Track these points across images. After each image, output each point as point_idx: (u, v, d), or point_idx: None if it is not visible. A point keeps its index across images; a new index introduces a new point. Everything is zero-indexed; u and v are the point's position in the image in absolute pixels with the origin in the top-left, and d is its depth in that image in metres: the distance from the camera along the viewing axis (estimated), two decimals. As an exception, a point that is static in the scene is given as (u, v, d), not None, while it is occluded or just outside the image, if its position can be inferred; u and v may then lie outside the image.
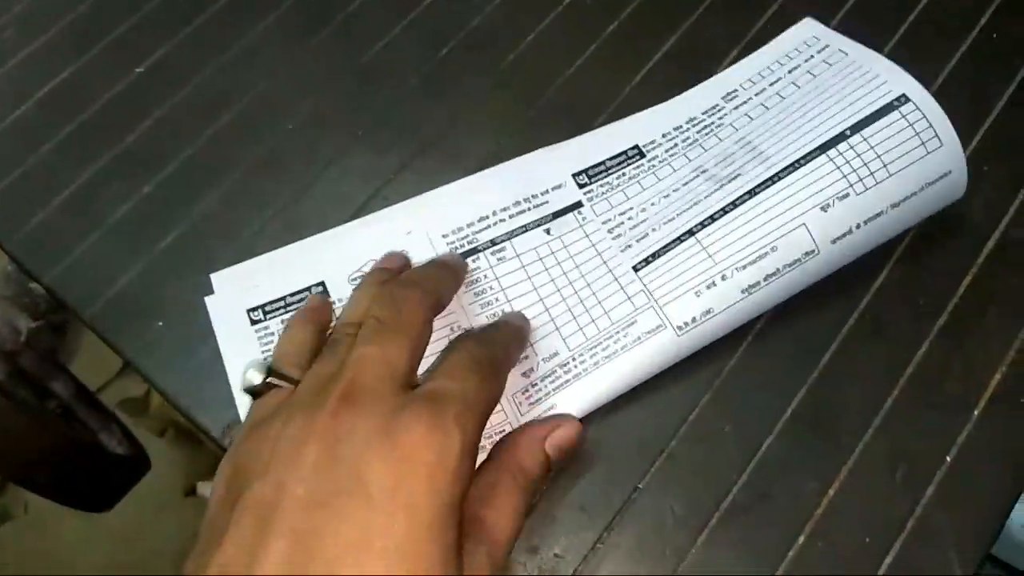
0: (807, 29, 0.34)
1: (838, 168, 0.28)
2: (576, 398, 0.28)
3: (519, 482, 0.24)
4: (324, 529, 0.19)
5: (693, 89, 0.34)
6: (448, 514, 0.20)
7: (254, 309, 0.31)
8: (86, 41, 0.38)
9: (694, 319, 0.28)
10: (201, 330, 0.31)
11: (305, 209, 0.33)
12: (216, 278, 0.32)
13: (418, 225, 0.32)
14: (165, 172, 0.34)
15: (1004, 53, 0.34)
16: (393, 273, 0.29)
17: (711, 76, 0.35)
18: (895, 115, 0.28)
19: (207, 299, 0.32)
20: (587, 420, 0.28)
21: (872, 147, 0.28)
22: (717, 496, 0.27)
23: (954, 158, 0.28)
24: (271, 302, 0.31)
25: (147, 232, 0.33)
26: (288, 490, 0.20)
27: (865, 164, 0.28)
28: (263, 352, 0.30)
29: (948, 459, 0.27)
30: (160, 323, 0.31)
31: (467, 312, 0.30)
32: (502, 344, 0.26)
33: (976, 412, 0.28)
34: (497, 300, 0.30)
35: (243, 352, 0.30)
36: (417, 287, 0.26)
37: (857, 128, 0.28)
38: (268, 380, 0.24)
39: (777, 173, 0.29)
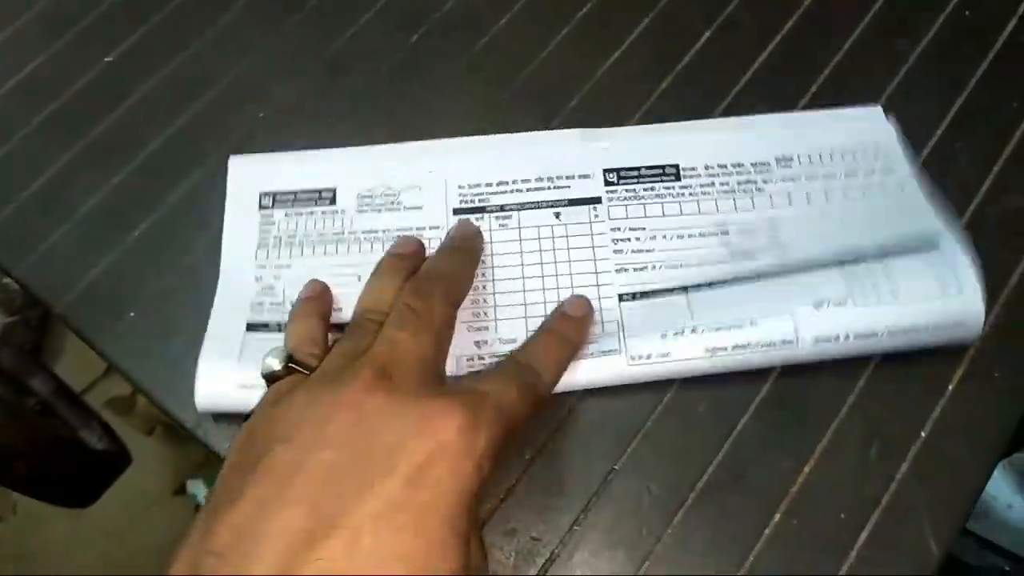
0: (877, 126, 0.32)
1: (844, 278, 0.27)
2: None
3: None
4: (347, 496, 0.20)
5: (750, 130, 0.32)
6: (468, 502, 0.21)
7: (266, 194, 0.32)
8: (55, 31, 0.37)
9: (649, 356, 0.27)
10: (174, 320, 0.30)
11: (278, 197, 0.33)
12: (236, 159, 0.33)
13: (440, 167, 0.32)
14: (136, 162, 0.34)
15: (977, 29, 0.34)
16: (408, 259, 0.29)
17: (683, 58, 0.34)
18: (921, 257, 0.27)
19: (231, 160, 0.33)
20: (562, 403, 0.28)
21: (888, 273, 0.27)
22: (693, 476, 0.27)
23: (971, 309, 0.27)
24: (282, 192, 0.32)
25: (119, 222, 0.33)
26: (314, 455, 0.20)
27: (874, 284, 0.27)
28: (260, 239, 0.31)
29: (923, 435, 0.27)
30: (133, 313, 0.31)
31: None
32: (548, 372, 0.26)
33: (950, 388, 0.28)
34: (484, 263, 0.30)
35: (241, 236, 0.31)
36: (443, 282, 0.27)
37: (880, 255, 0.28)
38: (289, 365, 0.25)
39: (787, 271, 0.28)
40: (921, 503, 0.26)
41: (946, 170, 0.31)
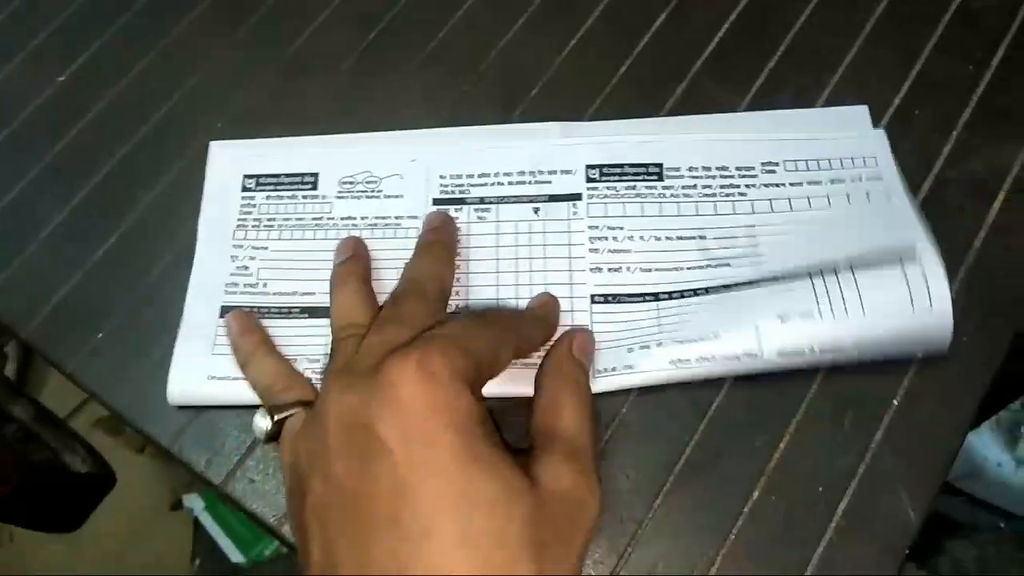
0: (865, 129, 0.31)
1: (813, 288, 0.27)
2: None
3: (572, 389, 0.25)
4: (366, 490, 0.21)
5: (737, 131, 0.32)
6: (471, 429, 0.21)
7: (250, 176, 0.32)
8: (4, 53, 0.37)
9: (613, 368, 0.27)
10: (143, 338, 0.30)
11: (241, 207, 0.32)
12: (217, 145, 0.33)
13: (423, 156, 0.32)
14: (96, 179, 0.34)
15: (931, -5, 0.34)
16: (354, 259, 0.29)
17: (641, 41, 0.34)
18: (895, 268, 0.26)
19: (212, 146, 0.33)
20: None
21: (857, 285, 0.26)
22: (670, 458, 0.27)
23: (940, 326, 0.26)
24: (267, 175, 0.32)
25: (82, 243, 0.32)
26: (331, 475, 0.21)
27: (842, 296, 0.26)
28: (238, 222, 0.32)
29: (895, 403, 0.27)
30: (100, 335, 0.31)
31: None
32: (525, 323, 0.27)
33: (919, 354, 0.28)
34: (458, 255, 0.30)
35: (220, 218, 0.32)
36: (414, 288, 0.27)
37: (852, 265, 0.27)
38: (276, 419, 0.25)
39: (759, 280, 0.28)
40: (897, 471, 0.26)
41: (904, 137, 0.31)
